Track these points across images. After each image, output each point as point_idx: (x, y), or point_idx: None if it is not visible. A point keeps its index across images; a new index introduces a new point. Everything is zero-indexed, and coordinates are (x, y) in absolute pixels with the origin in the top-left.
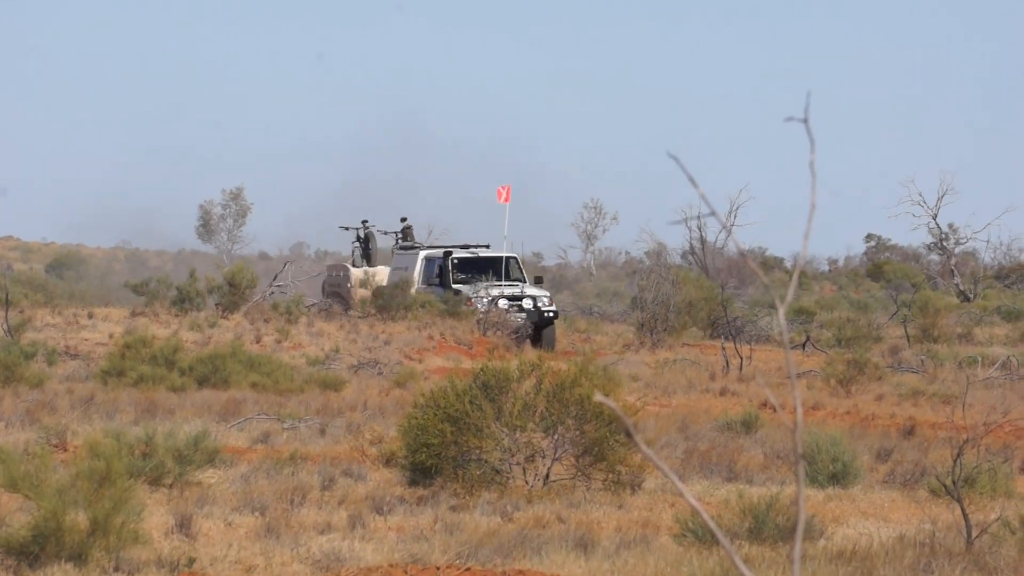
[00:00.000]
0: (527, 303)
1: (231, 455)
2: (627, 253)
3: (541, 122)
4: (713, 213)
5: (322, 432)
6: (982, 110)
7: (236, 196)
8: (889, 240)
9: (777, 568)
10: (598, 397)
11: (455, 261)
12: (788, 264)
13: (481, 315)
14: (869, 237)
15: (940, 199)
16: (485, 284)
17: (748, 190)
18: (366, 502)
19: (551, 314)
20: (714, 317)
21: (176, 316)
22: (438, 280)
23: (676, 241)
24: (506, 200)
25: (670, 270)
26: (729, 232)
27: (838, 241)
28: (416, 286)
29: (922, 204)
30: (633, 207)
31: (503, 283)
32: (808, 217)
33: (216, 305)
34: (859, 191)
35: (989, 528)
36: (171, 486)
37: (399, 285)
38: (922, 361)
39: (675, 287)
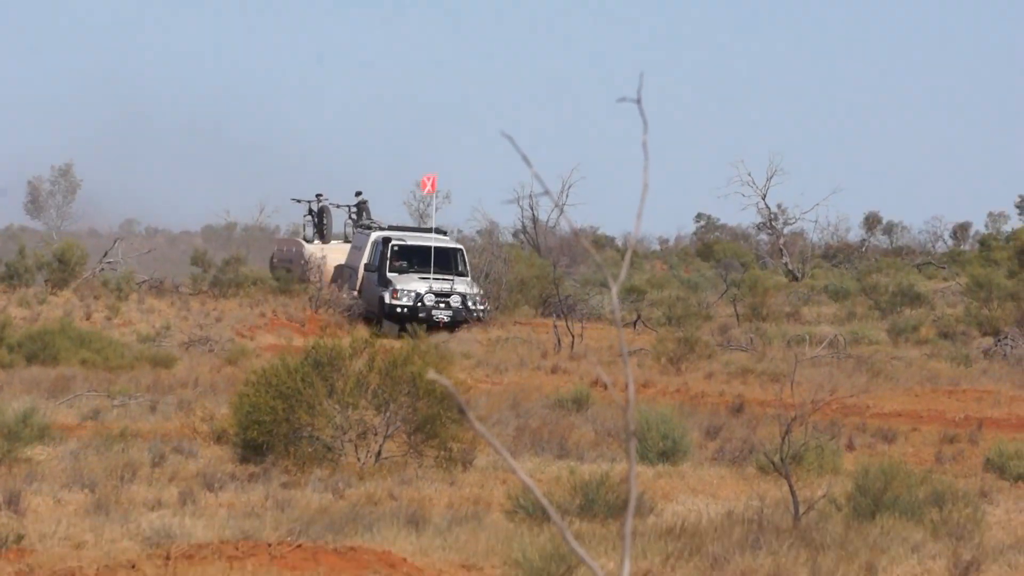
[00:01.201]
0: (455, 300)
1: (61, 432)
2: (460, 232)
3: (372, 101)
4: (547, 192)
5: (153, 409)
6: (811, 92)
7: (65, 172)
8: (719, 220)
9: (607, 544)
10: (431, 375)
11: (395, 248)
12: (619, 243)
13: (314, 292)
14: (699, 217)
15: (769, 180)
16: (416, 276)
17: (579, 169)
18: (197, 479)
19: (480, 313)
20: (546, 295)
21: (4, 292)
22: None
23: (508, 220)
24: (431, 190)
25: (502, 249)
26: (561, 211)
27: (668, 221)
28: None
29: (751, 184)
30: (466, 186)
31: (431, 276)
32: (641, 197)
33: (45, 281)
34: (689, 171)
35: (816, 504)
36: None
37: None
38: (751, 339)
39: (507, 265)
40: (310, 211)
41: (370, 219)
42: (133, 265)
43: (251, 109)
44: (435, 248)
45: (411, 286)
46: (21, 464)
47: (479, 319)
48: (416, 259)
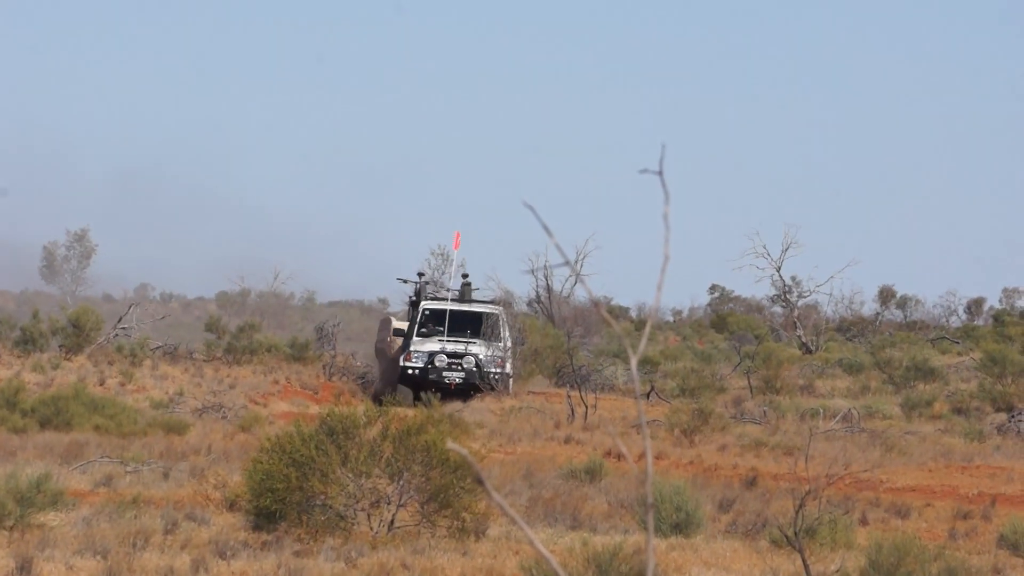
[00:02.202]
0: (468, 361)
1: (73, 498)
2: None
3: (386, 173)
4: (567, 262)
5: (165, 476)
6: (826, 165)
7: (80, 237)
8: (733, 292)
9: None
10: (449, 444)
11: (426, 312)
12: (633, 314)
13: (328, 360)
14: (713, 288)
15: (784, 252)
16: (436, 339)
17: (594, 239)
18: (209, 546)
19: (495, 376)
20: (560, 365)
21: (19, 357)
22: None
23: (522, 289)
24: (456, 247)
25: (516, 318)
26: (579, 279)
27: (682, 292)
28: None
29: (766, 256)
30: (479, 255)
31: (446, 338)
32: (661, 268)
33: (60, 347)
34: (703, 242)
35: None
36: (12, 528)
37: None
38: (764, 412)
39: (521, 335)
40: (415, 291)
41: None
42: (147, 331)
43: (264, 177)
44: (464, 312)
45: (425, 348)
46: (34, 530)
47: (494, 385)
48: (446, 324)
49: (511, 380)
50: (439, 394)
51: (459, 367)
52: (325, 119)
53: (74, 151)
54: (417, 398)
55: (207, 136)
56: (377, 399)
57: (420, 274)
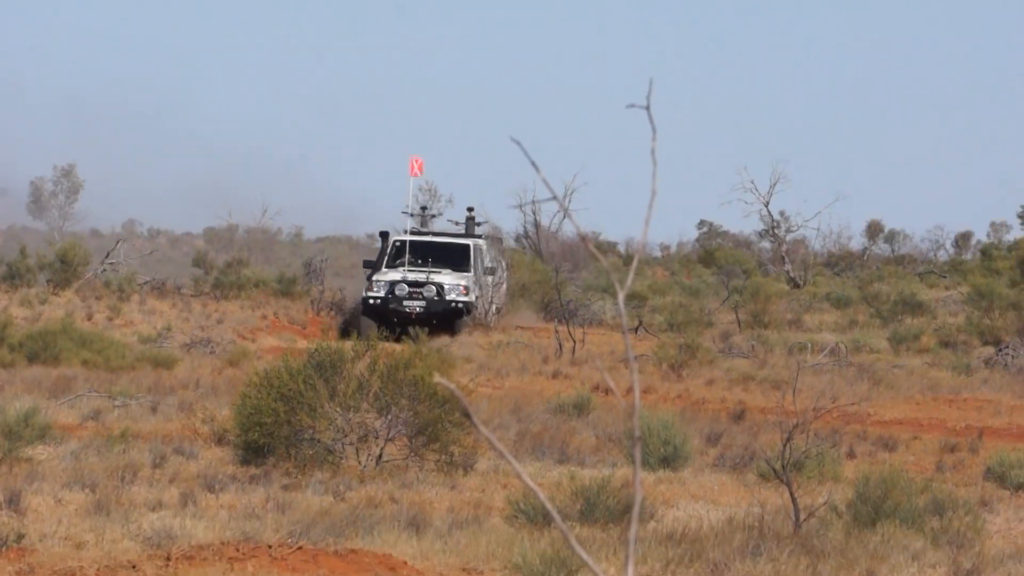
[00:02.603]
0: (429, 290)
1: (61, 432)
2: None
3: (377, 99)
4: (555, 197)
5: (154, 410)
6: (814, 99)
7: (68, 173)
8: (721, 227)
9: (608, 549)
10: (437, 378)
11: (397, 244)
12: (621, 249)
13: (316, 295)
14: (701, 223)
15: (772, 187)
16: (401, 268)
17: (582, 175)
18: (198, 480)
19: (458, 304)
20: (548, 300)
21: (6, 292)
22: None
23: (510, 224)
24: (418, 173)
25: (504, 253)
26: (567, 215)
27: (671, 227)
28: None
29: (754, 191)
30: (467, 190)
31: (407, 267)
32: (649, 203)
33: (47, 282)
34: (692, 178)
35: (816, 512)
36: (0, 462)
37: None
38: (752, 346)
39: (509, 270)
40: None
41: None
42: (135, 266)
43: (251, 113)
44: (431, 243)
45: (386, 277)
46: (22, 464)
47: (458, 312)
48: (425, 255)
49: (490, 311)
50: (399, 325)
51: (420, 296)
52: (299, 49)
53: (27, 80)
54: (381, 330)
55: (176, 67)
56: (344, 332)
57: (423, 207)
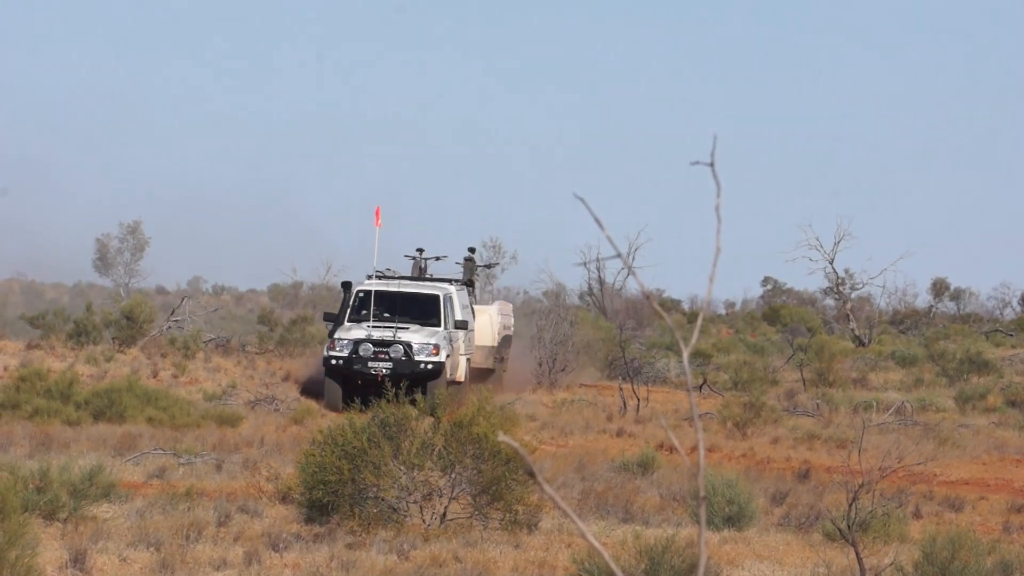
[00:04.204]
0: (396, 350)
1: (126, 490)
2: (526, 292)
3: (439, 161)
4: (619, 255)
5: (218, 468)
6: (880, 157)
7: (133, 230)
8: (786, 284)
9: None
10: (501, 437)
11: (360, 295)
12: (686, 306)
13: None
14: (766, 281)
15: (837, 244)
16: (365, 324)
17: (647, 232)
18: (262, 539)
19: (428, 366)
20: (612, 358)
21: (72, 349)
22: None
23: (574, 282)
24: (377, 224)
25: (568, 310)
26: (631, 272)
27: (735, 284)
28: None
29: (819, 249)
30: (532, 247)
31: (372, 323)
32: (713, 261)
33: (113, 339)
34: (757, 235)
35: (882, 572)
36: (65, 520)
37: None
38: (817, 405)
39: (573, 327)
40: (420, 269)
41: (470, 277)
42: (200, 323)
43: (315, 170)
44: (400, 294)
45: (350, 335)
46: (87, 522)
47: (427, 375)
48: (393, 306)
49: (462, 369)
50: (364, 389)
51: (386, 356)
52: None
53: (134, 139)
54: (349, 394)
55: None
56: (308, 393)
57: (419, 249)
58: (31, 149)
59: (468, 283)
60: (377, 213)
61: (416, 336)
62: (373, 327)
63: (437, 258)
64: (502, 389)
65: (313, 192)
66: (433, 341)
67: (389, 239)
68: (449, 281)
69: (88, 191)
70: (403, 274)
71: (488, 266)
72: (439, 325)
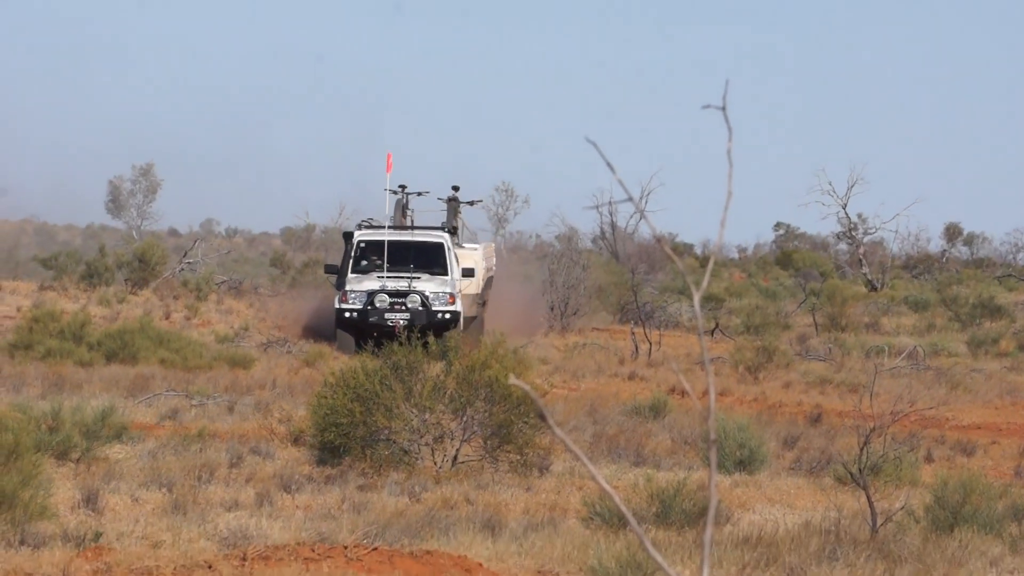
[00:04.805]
0: (413, 300)
1: (139, 431)
2: (538, 237)
3: (450, 104)
4: (630, 198)
5: (230, 409)
6: (893, 101)
7: (146, 172)
8: (798, 229)
9: (684, 552)
10: (512, 379)
11: (362, 245)
12: (698, 251)
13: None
14: (778, 226)
15: (850, 189)
16: (374, 274)
17: (659, 176)
18: (274, 480)
19: (446, 315)
20: (624, 302)
21: (85, 291)
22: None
23: (587, 226)
24: (389, 170)
25: (580, 254)
26: (643, 216)
27: (748, 229)
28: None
29: (832, 194)
30: (544, 191)
31: (386, 274)
32: (724, 205)
33: (125, 281)
34: (769, 180)
35: (894, 516)
36: (78, 461)
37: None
38: (830, 349)
39: (585, 271)
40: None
41: (454, 220)
42: (212, 266)
43: (331, 105)
44: (406, 243)
45: (363, 286)
46: (99, 463)
47: (445, 324)
48: (388, 258)
49: (477, 320)
50: (379, 339)
51: (403, 307)
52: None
53: (147, 80)
54: (360, 344)
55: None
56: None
57: (402, 186)
58: (41, 89)
59: (452, 229)
60: (389, 159)
61: (430, 285)
62: (387, 277)
63: (419, 193)
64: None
65: (320, 134)
66: (448, 290)
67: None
68: (440, 228)
69: (101, 133)
70: (379, 220)
71: (471, 203)
72: (446, 273)
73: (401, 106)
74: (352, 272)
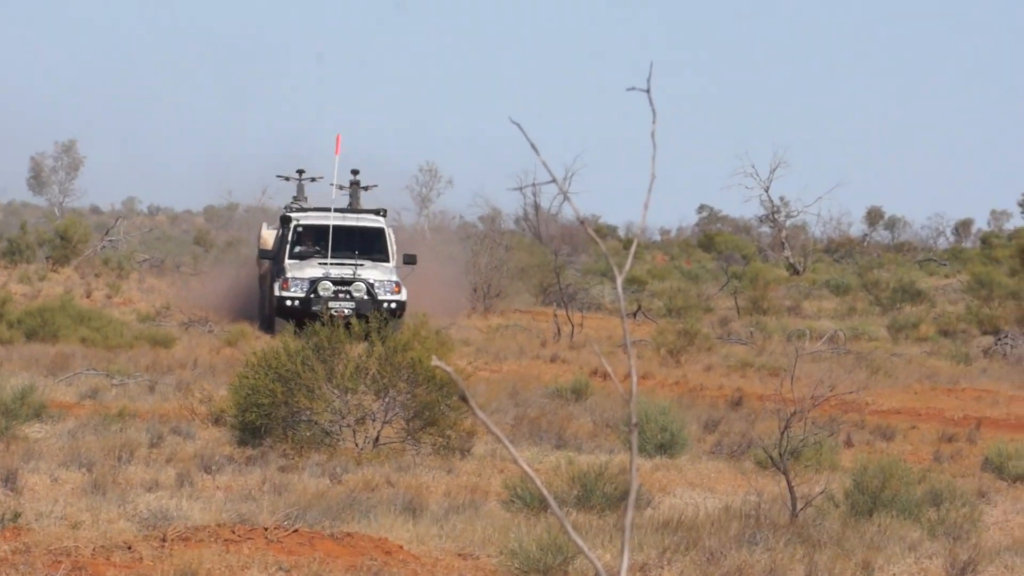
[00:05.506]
0: (358, 289)
1: (58, 410)
2: (461, 217)
3: (380, 84)
4: (554, 180)
5: (151, 389)
6: (815, 85)
7: (68, 149)
8: (721, 212)
9: (604, 536)
10: (435, 361)
11: (299, 229)
12: (621, 233)
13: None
14: (702, 208)
15: (773, 172)
16: (316, 262)
17: (582, 158)
18: (194, 460)
19: (392, 305)
20: (546, 284)
21: (5, 268)
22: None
23: (510, 207)
24: (337, 152)
25: (503, 236)
26: (566, 198)
27: (671, 211)
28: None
29: (755, 176)
30: (468, 172)
31: (329, 261)
32: (648, 187)
33: (47, 258)
34: (693, 162)
35: (814, 501)
36: None
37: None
38: (751, 333)
39: (508, 253)
40: (295, 195)
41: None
42: (135, 244)
43: (256, 83)
44: (346, 228)
45: (305, 273)
46: (18, 442)
47: (391, 314)
48: (325, 243)
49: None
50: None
51: (348, 296)
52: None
53: (68, 56)
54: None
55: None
56: (266, 328)
57: (300, 171)
58: None
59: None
60: (338, 141)
61: (375, 273)
62: (329, 264)
63: (313, 179)
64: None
65: (253, 112)
66: (393, 279)
67: (306, 162)
68: (378, 212)
69: (21, 108)
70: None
71: (366, 188)
72: (388, 260)
73: (317, 82)
74: (289, 258)
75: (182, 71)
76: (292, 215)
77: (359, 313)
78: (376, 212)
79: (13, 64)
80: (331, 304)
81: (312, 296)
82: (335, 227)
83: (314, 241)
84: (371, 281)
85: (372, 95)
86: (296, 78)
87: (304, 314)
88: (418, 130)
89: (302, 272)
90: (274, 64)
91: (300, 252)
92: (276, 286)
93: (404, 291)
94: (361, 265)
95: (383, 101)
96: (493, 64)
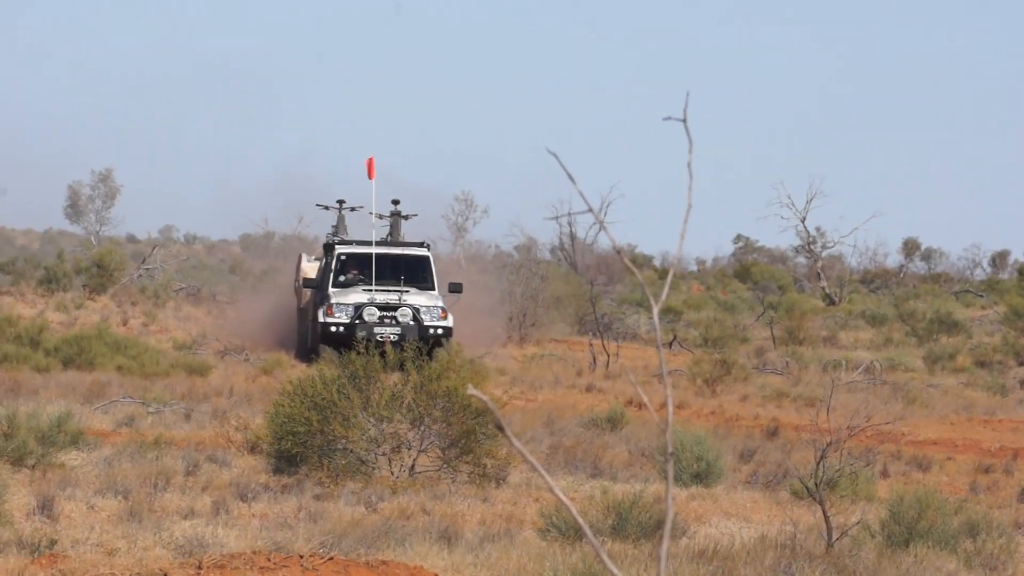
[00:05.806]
0: (404, 314)
1: (95, 438)
2: (497, 247)
3: (414, 112)
4: (590, 209)
5: (187, 417)
6: (853, 115)
7: (105, 178)
8: (757, 242)
9: (639, 565)
10: (470, 390)
11: (342, 258)
12: (657, 263)
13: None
14: (738, 238)
15: (809, 202)
16: (361, 289)
17: (619, 187)
18: (230, 488)
19: (439, 331)
20: (582, 313)
21: (43, 296)
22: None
23: (546, 236)
24: (372, 176)
25: (539, 265)
26: (603, 227)
27: (707, 241)
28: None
29: (791, 207)
30: (504, 202)
31: (374, 287)
32: (684, 217)
33: (83, 286)
34: (729, 192)
35: (849, 531)
36: (33, 467)
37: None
38: (787, 363)
39: (544, 282)
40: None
41: (399, 237)
42: (171, 272)
43: (294, 116)
44: (391, 256)
45: (349, 299)
46: (55, 469)
47: (438, 341)
48: (369, 271)
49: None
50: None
51: (393, 321)
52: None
53: (106, 85)
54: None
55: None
56: (303, 358)
57: (340, 201)
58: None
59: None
60: (370, 165)
61: (421, 299)
62: (375, 290)
63: (353, 208)
64: None
65: (287, 138)
66: (440, 304)
67: (337, 190)
68: (421, 244)
69: (58, 137)
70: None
71: (406, 217)
72: (432, 288)
73: (359, 112)
74: (333, 286)
75: (213, 100)
76: (335, 243)
77: (405, 338)
78: (420, 244)
79: (51, 94)
80: (376, 329)
81: (357, 322)
82: (379, 255)
83: (358, 269)
84: (417, 307)
85: (406, 122)
86: (326, 108)
87: (348, 340)
88: (453, 159)
89: (346, 298)
90: (300, 93)
91: (344, 280)
92: (320, 312)
93: (451, 317)
94: (407, 291)
95: (418, 129)
96: (530, 92)
